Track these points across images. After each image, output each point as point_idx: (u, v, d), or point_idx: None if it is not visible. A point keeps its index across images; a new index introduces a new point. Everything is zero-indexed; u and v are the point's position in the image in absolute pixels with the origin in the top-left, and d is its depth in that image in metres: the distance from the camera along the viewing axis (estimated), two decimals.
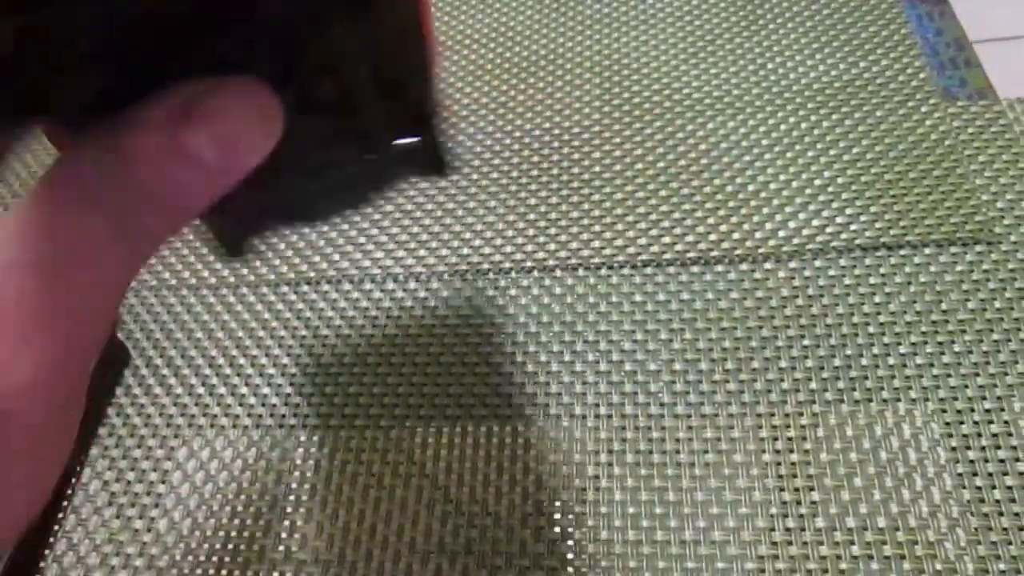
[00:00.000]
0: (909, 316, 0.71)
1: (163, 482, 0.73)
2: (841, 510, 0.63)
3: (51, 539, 0.71)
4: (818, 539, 0.62)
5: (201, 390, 0.78)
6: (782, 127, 0.87)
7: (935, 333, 0.70)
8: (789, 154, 0.84)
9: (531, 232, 0.83)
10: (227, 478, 0.72)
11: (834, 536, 0.62)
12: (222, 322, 0.82)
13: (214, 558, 0.68)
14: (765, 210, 0.80)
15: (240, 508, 0.70)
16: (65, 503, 0.73)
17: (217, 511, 0.70)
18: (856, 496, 0.63)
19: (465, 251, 0.83)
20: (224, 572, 0.67)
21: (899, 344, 0.70)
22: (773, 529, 0.63)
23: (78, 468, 0.75)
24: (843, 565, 0.60)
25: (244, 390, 0.77)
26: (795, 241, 0.77)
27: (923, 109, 0.85)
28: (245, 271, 0.85)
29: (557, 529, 0.65)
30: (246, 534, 0.69)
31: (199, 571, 0.67)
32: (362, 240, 0.85)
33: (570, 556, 0.63)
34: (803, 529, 0.62)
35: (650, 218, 0.82)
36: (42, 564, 0.70)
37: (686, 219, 0.81)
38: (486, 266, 0.80)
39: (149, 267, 0.87)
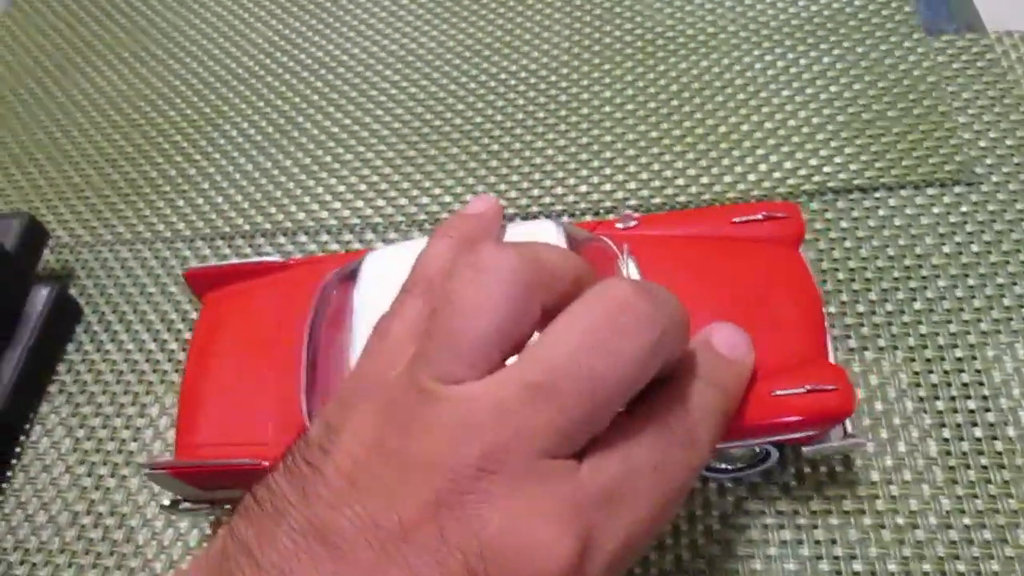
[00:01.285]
0: (881, 261, 0.68)
1: (112, 439, 0.71)
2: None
3: None
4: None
5: (152, 346, 0.76)
6: (757, 66, 0.82)
7: (907, 279, 0.67)
8: (763, 94, 0.80)
9: (492, 180, 0.80)
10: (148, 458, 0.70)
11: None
12: (175, 276, 0.80)
13: (161, 517, 0.66)
14: (735, 152, 0.76)
15: None
16: (13, 461, 0.72)
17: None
18: None
19: (424, 200, 0.80)
20: (170, 531, 0.66)
21: (868, 291, 0.67)
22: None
23: (27, 426, 0.73)
24: (800, 520, 0.58)
25: None
26: (765, 184, 0.73)
27: (906, 44, 0.80)
28: (201, 224, 0.83)
29: None
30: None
31: (145, 530, 0.66)
32: (319, 191, 0.83)
33: None
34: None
35: (615, 163, 0.78)
36: None
37: (653, 163, 0.77)
38: (445, 215, 0.77)
39: (104, 222, 0.85)
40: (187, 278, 0.67)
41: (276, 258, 0.67)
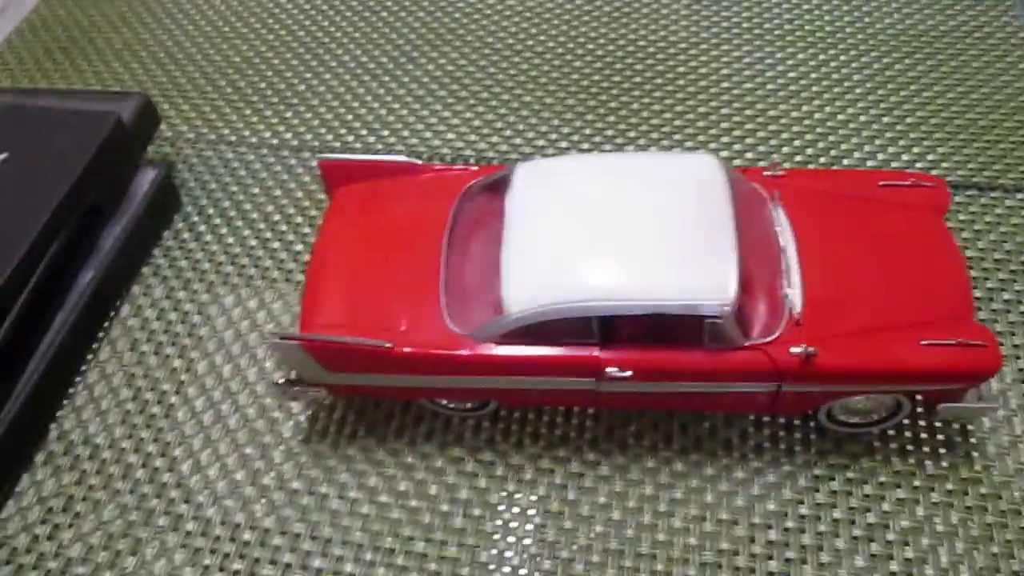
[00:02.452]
0: (998, 254, 0.69)
1: (206, 324, 0.70)
2: None
3: (83, 367, 0.68)
4: None
5: (254, 243, 0.75)
6: (875, 65, 0.84)
7: (1013, 281, 0.68)
8: (880, 91, 0.82)
9: (609, 132, 0.80)
10: (274, 329, 0.69)
11: None
12: (280, 182, 0.79)
13: (255, 404, 0.65)
14: (854, 140, 0.78)
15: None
16: (101, 334, 0.70)
17: (262, 358, 0.67)
18: None
19: (540, 143, 0.80)
20: (261, 420, 0.64)
21: (986, 280, 0.68)
22: None
23: (117, 303, 0.71)
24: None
25: (299, 247, 0.74)
26: (893, 165, 0.75)
27: (1021, 66, 0.83)
28: (309, 137, 0.82)
29: None
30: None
31: (236, 416, 0.64)
32: (433, 121, 0.82)
33: None
34: None
35: (730, 140, 0.79)
36: (71, 390, 0.67)
37: (772, 138, 0.79)
38: (514, 156, 0.78)
39: (209, 123, 0.84)
40: (321, 167, 0.66)
41: (415, 159, 0.66)
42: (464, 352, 0.56)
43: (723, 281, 0.53)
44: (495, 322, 0.55)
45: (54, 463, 0.63)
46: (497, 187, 0.62)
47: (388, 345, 0.56)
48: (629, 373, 0.55)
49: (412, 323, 0.58)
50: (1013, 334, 0.65)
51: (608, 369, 0.55)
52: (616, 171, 0.59)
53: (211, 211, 0.77)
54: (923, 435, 0.60)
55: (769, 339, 0.55)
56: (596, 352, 0.55)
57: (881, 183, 0.62)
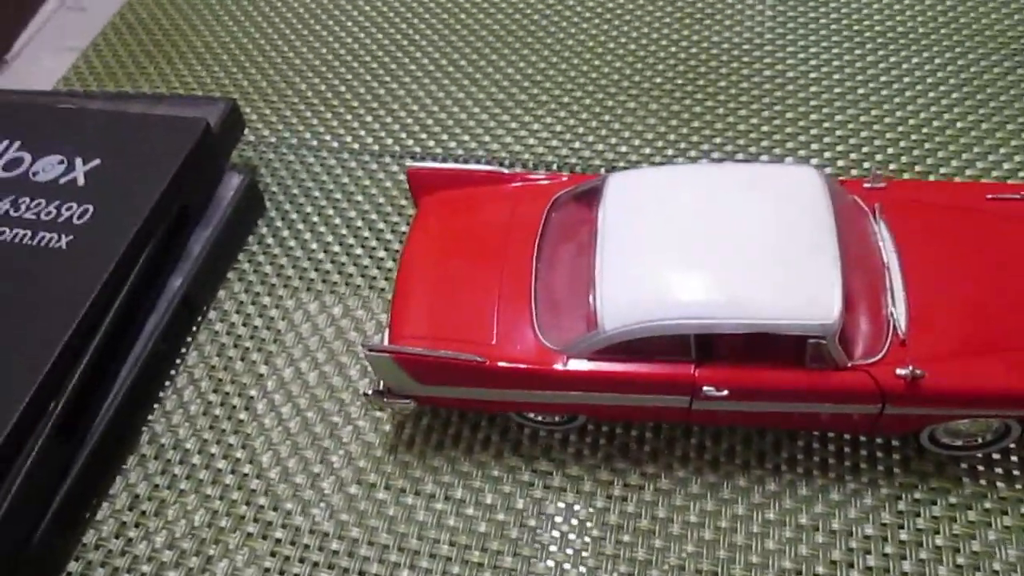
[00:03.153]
0: None
1: (291, 331, 0.70)
2: None
3: (172, 371, 0.69)
4: None
5: (337, 248, 0.75)
6: (972, 68, 0.81)
7: None
8: (979, 96, 0.79)
9: (694, 139, 0.79)
10: (357, 337, 0.69)
11: None
12: (362, 187, 0.79)
13: (339, 413, 0.65)
14: (962, 140, 0.75)
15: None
16: (189, 339, 0.71)
17: (346, 364, 0.68)
18: None
19: (623, 149, 0.78)
20: (348, 427, 0.64)
21: None
22: None
23: (204, 307, 0.72)
24: None
25: (383, 253, 0.74)
26: (994, 174, 0.72)
27: None
28: (390, 141, 0.82)
29: None
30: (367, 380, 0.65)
31: (321, 424, 0.65)
32: (514, 125, 0.82)
33: None
34: None
35: (808, 142, 0.77)
36: (161, 394, 0.68)
37: (864, 145, 0.76)
38: (642, 164, 0.76)
39: (291, 127, 0.85)
40: (409, 176, 0.66)
41: (503, 169, 0.66)
42: (557, 367, 0.55)
43: (828, 301, 0.51)
44: (588, 337, 0.54)
45: (145, 466, 0.64)
46: (588, 197, 0.61)
47: (480, 359, 0.55)
48: (726, 392, 0.54)
49: (503, 336, 0.57)
50: None
51: (705, 388, 0.54)
52: (712, 183, 0.58)
53: (294, 216, 0.78)
54: None
55: (873, 360, 0.53)
56: (692, 370, 0.54)
57: (989, 196, 0.60)
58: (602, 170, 0.77)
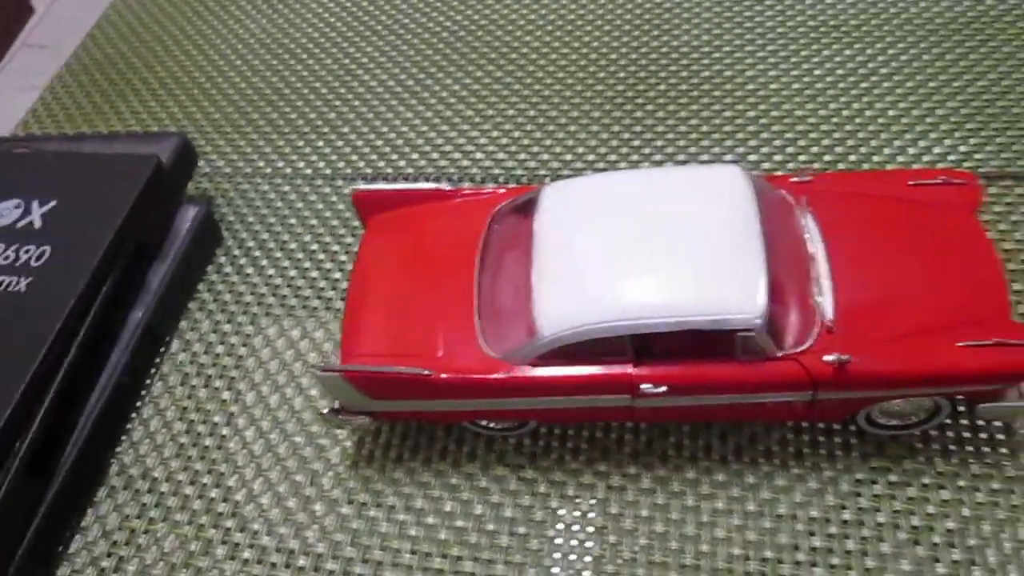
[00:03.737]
0: None
1: (252, 356, 0.72)
2: None
3: (138, 403, 0.70)
4: None
5: (293, 273, 0.77)
6: (901, 57, 0.83)
7: None
8: (908, 84, 0.81)
9: (636, 143, 0.81)
10: (317, 358, 0.71)
11: None
12: (316, 211, 0.81)
13: (302, 432, 0.67)
14: (883, 135, 0.77)
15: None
16: (153, 370, 0.72)
17: (306, 386, 0.69)
18: None
19: (568, 157, 0.81)
20: (310, 448, 0.66)
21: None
22: None
23: (167, 339, 0.74)
24: None
25: (338, 275, 0.76)
26: (915, 167, 0.74)
27: None
28: (342, 164, 0.84)
29: None
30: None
31: (284, 444, 0.66)
32: (462, 141, 0.84)
33: None
34: None
35: (757, 144, 0.79)
36: (128, 426, 0.69)
37: (800, 139, 0.78)
38: (587, 171, 0.79)
39: (244, 156, 0.87)
40: (354, 199, 0.68)
41: (445, 185, 0.68)
42: (500, 376, 0.57)
43: (753, 294, 0.53)
44: (529, 345, 0.56)
45: (115, 498, 0.66)
46: (525, 209, 0.63)
47: (426, 372, 0.57)
48: (664, 388, 0.56)
49: (449, 348, 0.59)
50: None
51: (643, 386, 0.56)
52: (640, 187, 0.60)
53: (251, 244, 0.80)
54: (965, 435, 0.60)
55: (802, 348, 0.55)
56: (630, 369, 0.56)
57: (911, 182, 0.62)
58: (547, 179, 0.79)
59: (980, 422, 0.60)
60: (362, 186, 0.68)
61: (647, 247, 0.57)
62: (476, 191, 0.68)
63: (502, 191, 0.67)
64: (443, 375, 0.57)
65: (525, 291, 0.58)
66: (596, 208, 0.60)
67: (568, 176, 0.78)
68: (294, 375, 0.70)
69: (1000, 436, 0.60)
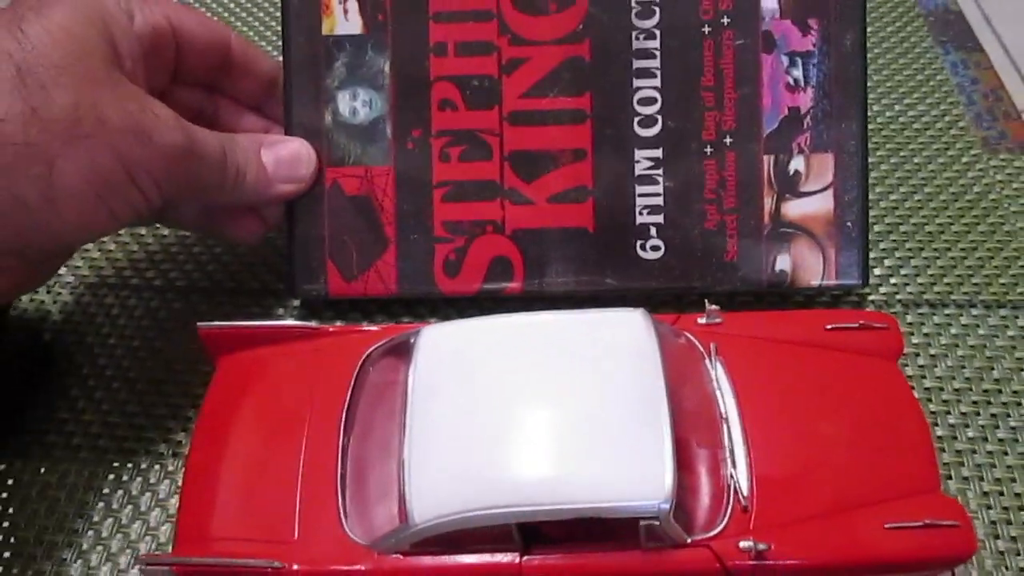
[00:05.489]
0: (957, 382, 0.63)
1: (90, 532, 0.61)
2: None
3: None
4: None
5: (135, 415, 0.66)
6: None
7: (987, 403, 0.62)
8: None
9: None
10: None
11: None
12: (167, 331, 0.70)
13: None
14: None
15: None
16: None
17: None
18: None
19: None
20: None
21: (947, 413, 0.62)
22: None
23: None
24: None
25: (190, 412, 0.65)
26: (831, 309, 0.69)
27: (964, 160, 0.78)
28: (198, 276, 0.74)
29: None
30: None
31: None
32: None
33: None
34: None
35: None
36: None
37: None
38: None
39: (91, 262, 0.76)
40: (201, 336, 0.58)
41: (305, 323, 0.59)
42: (363, 568, 0.48)
43: (658, 475, 0.46)
44: (398, 531, 0.47)
45: None
46: (400, 354, 0.55)
47: (277, 565, 0.48)
48: None
49: (305, 531, 0.50)
50: (981, 479, 0.59)
51: None
52: (530, 339, 0.52)
53: (86, 371, 0.68)
54: None
55: (713, 532, 0.48)
56: (518, 559, 0.48)
57: (828, 326, 0.56)
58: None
59: None
60: (209, 324, 0.58)
61: (537, 414, 0.49)
62: (346, 329, 0.59)
63: (375, 328, 0.59)
64: (295, 567, 0.48)
65: (397, 462, 0.49)
66: (480, 363, 0.51)
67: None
68: (154, 550, 0.59)
69: None
